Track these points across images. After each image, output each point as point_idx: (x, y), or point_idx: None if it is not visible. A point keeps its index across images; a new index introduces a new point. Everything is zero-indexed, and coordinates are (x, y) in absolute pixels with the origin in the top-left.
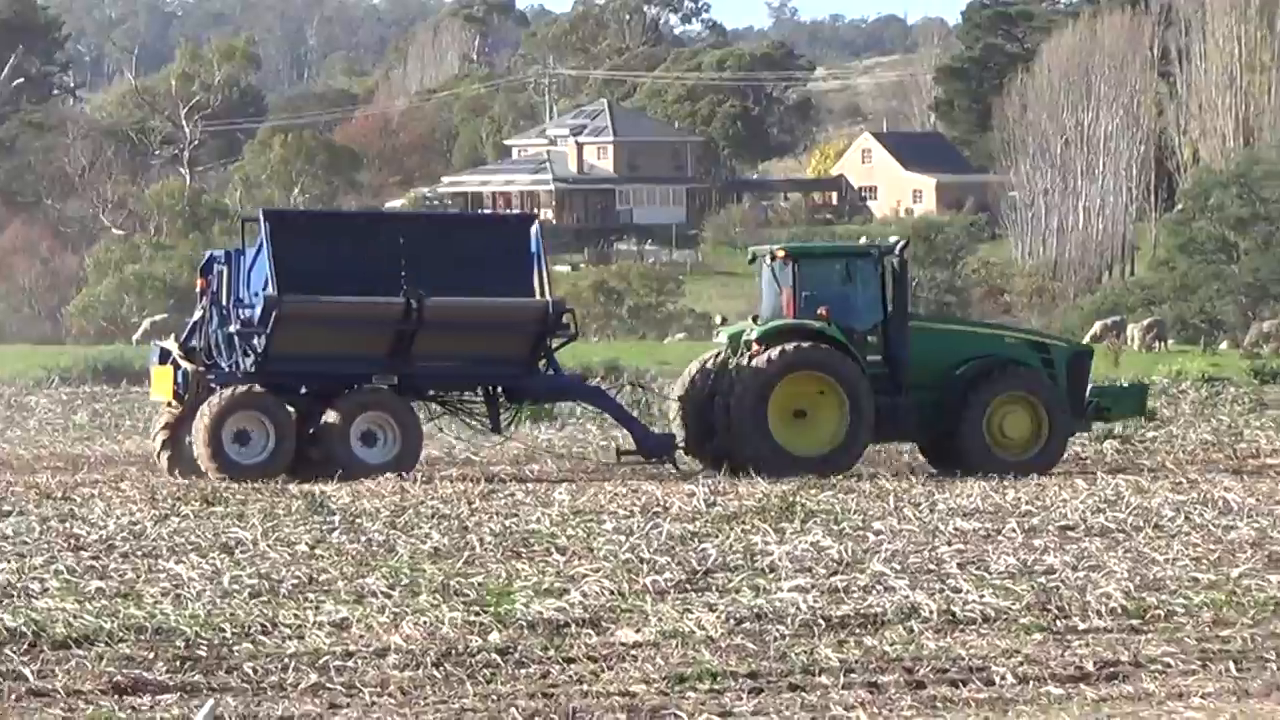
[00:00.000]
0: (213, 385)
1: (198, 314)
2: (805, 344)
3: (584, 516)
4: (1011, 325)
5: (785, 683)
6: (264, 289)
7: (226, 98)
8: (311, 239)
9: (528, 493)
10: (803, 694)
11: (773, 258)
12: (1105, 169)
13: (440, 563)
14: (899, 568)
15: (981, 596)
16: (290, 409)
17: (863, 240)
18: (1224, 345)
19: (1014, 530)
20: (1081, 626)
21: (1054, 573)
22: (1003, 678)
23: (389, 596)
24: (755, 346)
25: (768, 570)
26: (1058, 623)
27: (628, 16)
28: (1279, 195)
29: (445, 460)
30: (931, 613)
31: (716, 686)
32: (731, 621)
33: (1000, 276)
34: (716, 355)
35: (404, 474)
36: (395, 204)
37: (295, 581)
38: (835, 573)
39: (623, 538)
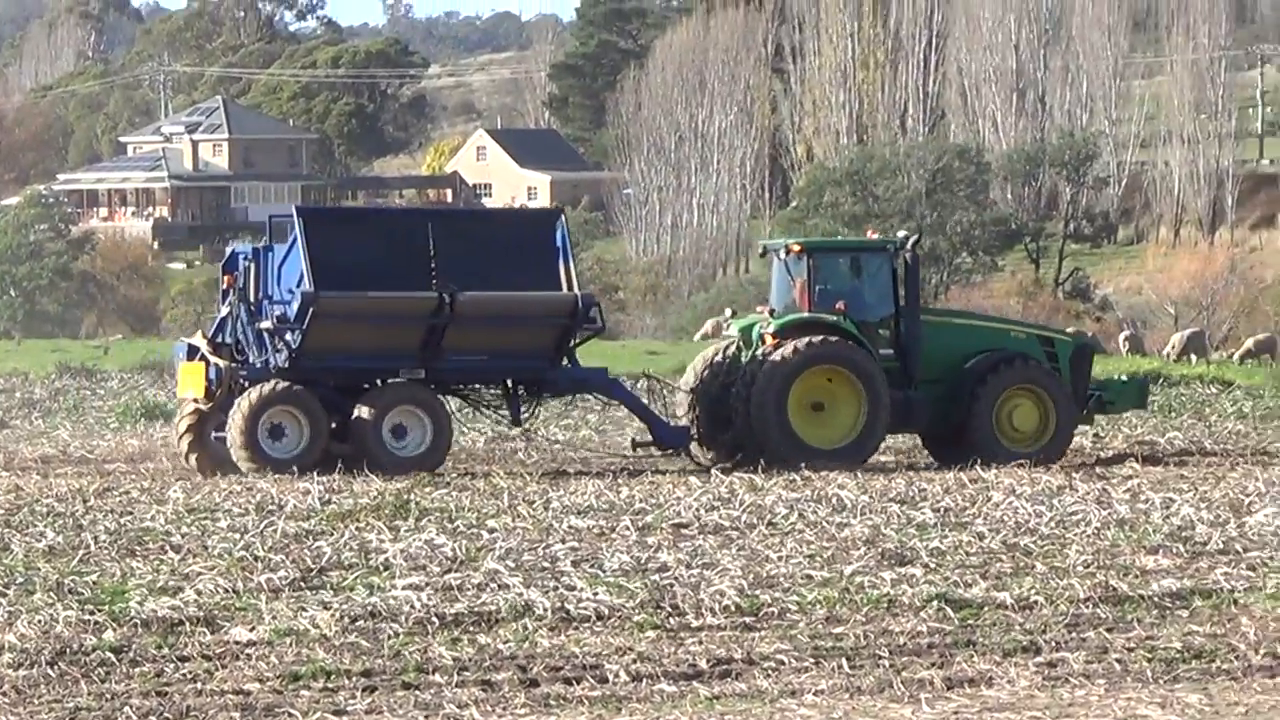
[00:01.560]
0: (243, 381)
1: (224, 310)
2: (824, 338)
3: (199, 514)
4: (1016, 320)
5: (399, 681)
6: (298, 285)
7: None
8: (344, 235)
9: (143, 490)
10: (416, 692)
11: (786, 251)
12: (719, 166)
13: (55, 561)
14: (513, 565)
15: (595, 594)
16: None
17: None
18: None
19: (628, 528)
20: (695, 624)
21: (668, 570)
22: (616, 675)
23: (3, 595)
24: (770, 340)
25: (382, 568)
26: (671, 620)
27: (242, 13)
28: (891, 192)
29: (60, 458)
30: (545, 610)
31: (330, 685)
32: (345, 620)
33: (615, 273)
34: (727, 347)
35: (434, 469)
36: (10, 201)
37: None
38: (449, 571)
39: (238, 535)
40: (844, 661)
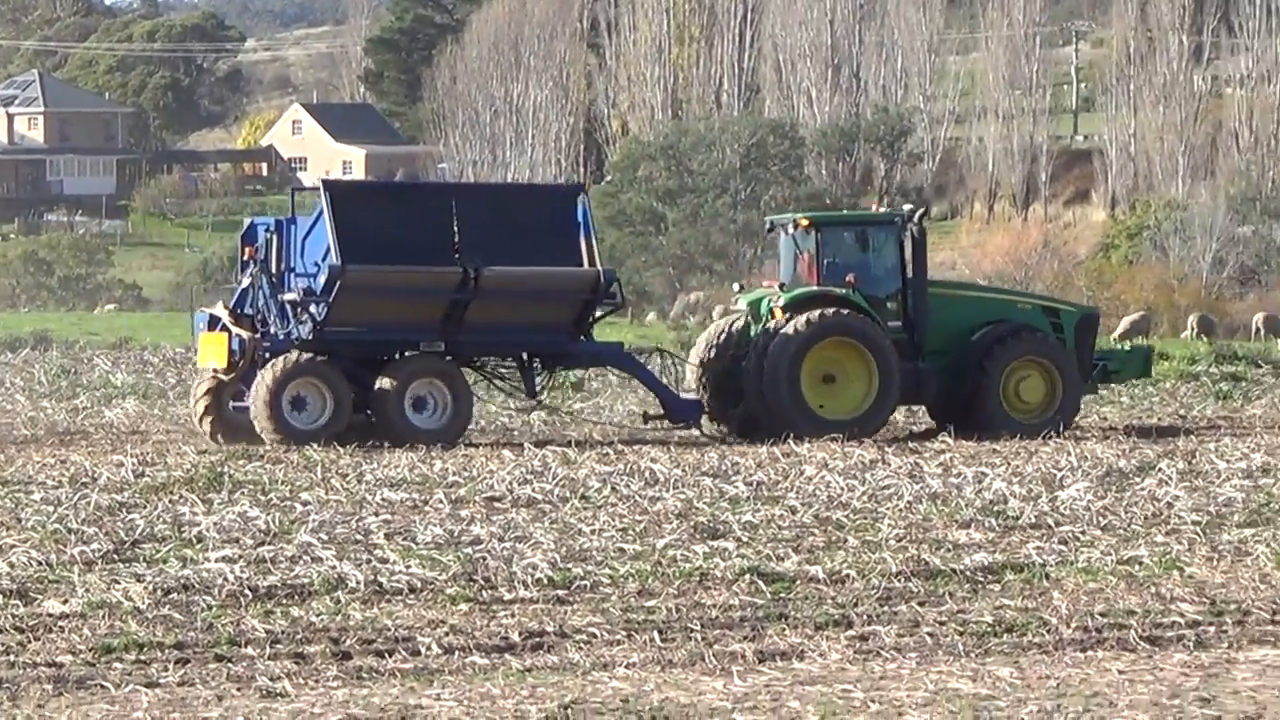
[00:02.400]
0: (266, 353)
1: (245, 281)
2: (836, 310)
3: (11, 487)
4: (1020, 291)
5: (212, 653)
6: (324, 258)
7: None
8: (369, 209)
9: None
10: (229, 664)
11: (795, 226)
12: (535, 141)
13: None
14: (326, 538)
15: (408, 567)
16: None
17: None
18: (651, 316)
19: (441, 501)
20: (508, 597)
21: (480, 543)
22: (428, 648)
23: None
24: (780, 313)
25: (195, 541)
26: (484, 593)
27: None
28: (706, 167)
29: None
30: (358, 583)
31: (143, 657)
32: (159, 592)
33: None
34: (734, 322)
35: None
36: None
37: None
38: (262, 543)
39: (51, 508)
40: (656, 634)
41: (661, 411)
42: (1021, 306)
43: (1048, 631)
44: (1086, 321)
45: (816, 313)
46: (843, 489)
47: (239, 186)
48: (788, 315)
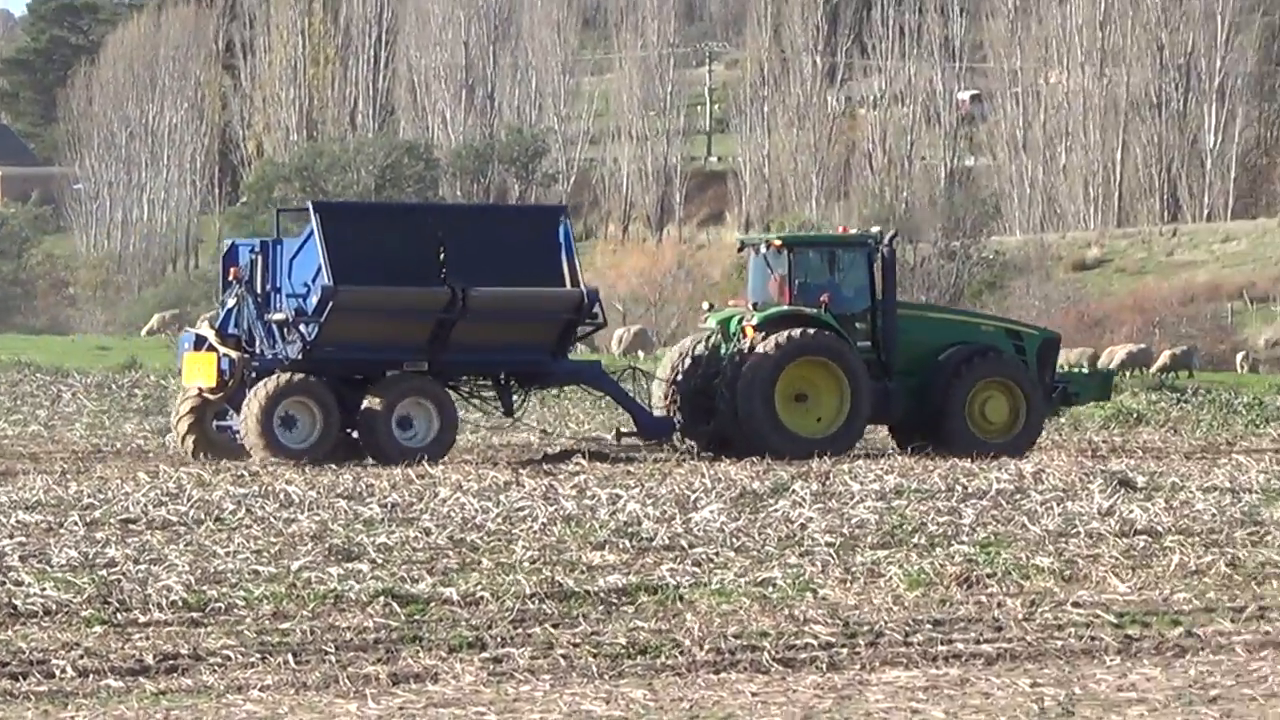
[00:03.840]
0: (252, 372)
1: (231, 301)
2: (807, 330)
3: None
4: (985, 314)
5: None
6: (315, 279)
7: None
8: (358, 230)
9: None
10: None
11: (767, 246)
12: (170, 162)
13: None
14: None
15: (43, 589)
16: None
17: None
18: None
19: (76, 523)
20: (142, 619)
21: (115, 566)
22: (63, 671)
23: None
24: (751, 332)
25: None
26: (118, 616)
27: None
28: (341, 188)
29: None
30: None
31: None
32: None
33: (65, 269)
34: (704, 340)
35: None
36: None
37: None
38: None
39: None
40: (290, 657)
41: (634, 429)
42: (986, 329)
43: (681, 653)
44: (1048, 345)
45: (790, 332)
46: (477, 510)
47: None
48: (761, 334)
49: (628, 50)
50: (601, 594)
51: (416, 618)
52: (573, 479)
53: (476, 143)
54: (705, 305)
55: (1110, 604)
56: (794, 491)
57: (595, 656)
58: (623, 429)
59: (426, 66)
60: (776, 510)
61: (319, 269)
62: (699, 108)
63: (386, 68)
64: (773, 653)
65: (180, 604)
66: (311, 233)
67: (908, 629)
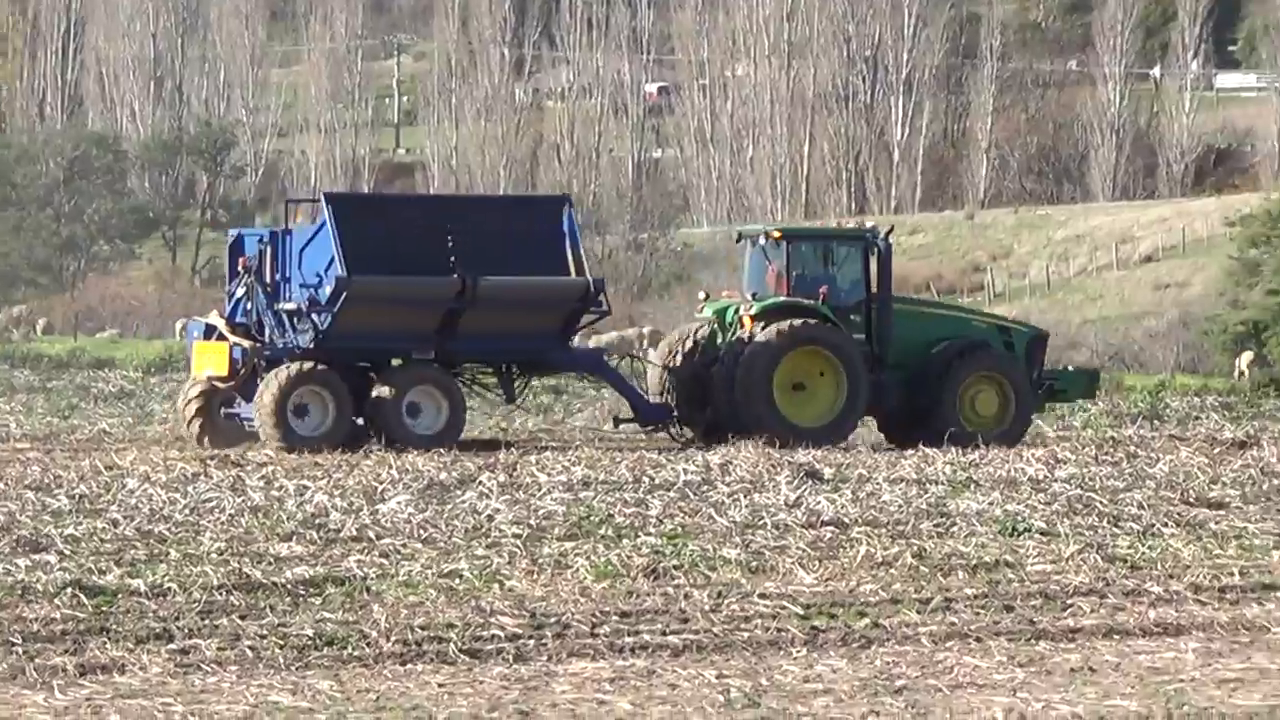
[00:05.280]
0: (263, 361)
1: (240, 291)
2: (806, 320)
3: None
4: (977, 310)
5: None
6: (328, 269)
7: None
8: (370, 221)
9: None
10: None
11: (766, 238)
12: None
13: None
14: None
15: None
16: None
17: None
18: None
19: None
20: None
21: None
22: None
23: None
24: (749, 322)
25: None
26: None
27: None
28: (29, 180)
29: None
30: None
31: None
32: None
33: None
34: (699, 329)
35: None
36: None
37: None
38: None
39: None
40: None
41: (631, 415)
42: (977, 324)
43: (368, 644)
44: (1036, 342)
45: (790, 322)
46: (165, 502)
47: None
48: (760, 324)
49: (316, 42)
50: (288, 585)
51: (104, 609)
52: (260, 470)
53: (165, 135)
54: (701, 295)
55: (797, 595)
56: (481, 483)
57: (282, 648)
58: (620, 416)
59: (115, 57)
60: (464, 501)
61: (331, 259)
62: (387, 100)
63: (75, 58)
64: (459, 644)
65: None
66: (324, 223)
67: (595, 620)
